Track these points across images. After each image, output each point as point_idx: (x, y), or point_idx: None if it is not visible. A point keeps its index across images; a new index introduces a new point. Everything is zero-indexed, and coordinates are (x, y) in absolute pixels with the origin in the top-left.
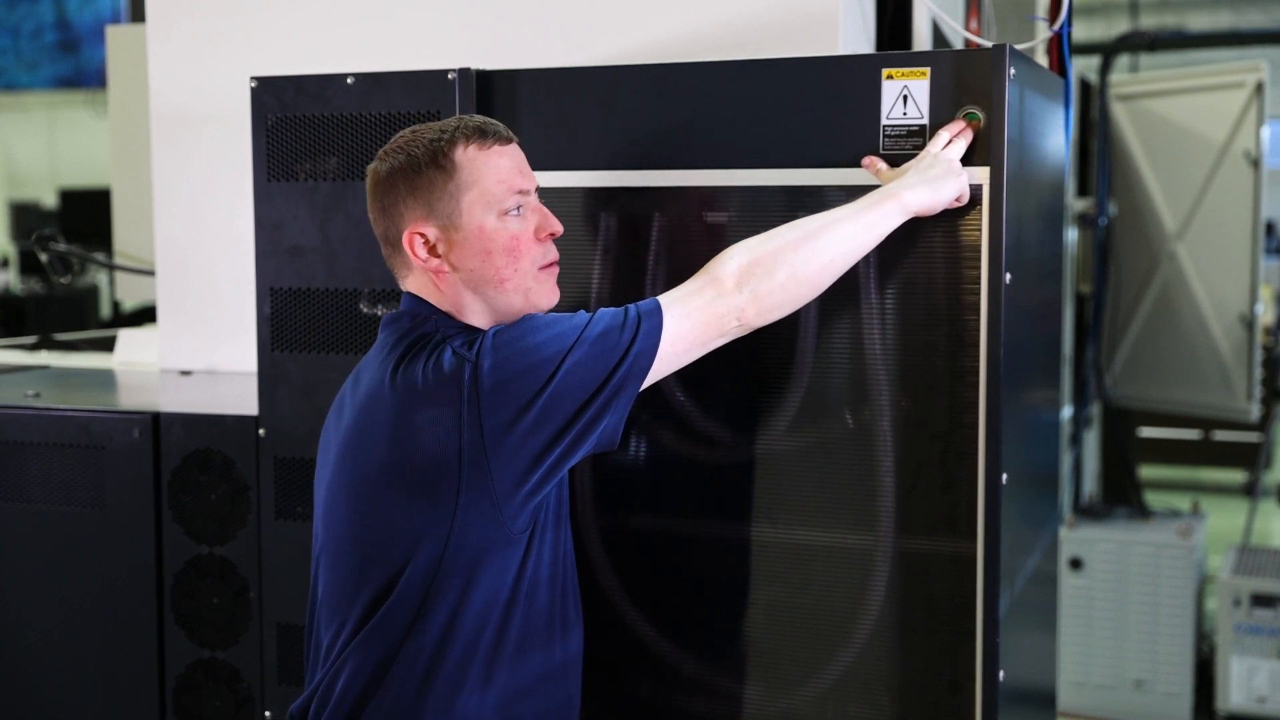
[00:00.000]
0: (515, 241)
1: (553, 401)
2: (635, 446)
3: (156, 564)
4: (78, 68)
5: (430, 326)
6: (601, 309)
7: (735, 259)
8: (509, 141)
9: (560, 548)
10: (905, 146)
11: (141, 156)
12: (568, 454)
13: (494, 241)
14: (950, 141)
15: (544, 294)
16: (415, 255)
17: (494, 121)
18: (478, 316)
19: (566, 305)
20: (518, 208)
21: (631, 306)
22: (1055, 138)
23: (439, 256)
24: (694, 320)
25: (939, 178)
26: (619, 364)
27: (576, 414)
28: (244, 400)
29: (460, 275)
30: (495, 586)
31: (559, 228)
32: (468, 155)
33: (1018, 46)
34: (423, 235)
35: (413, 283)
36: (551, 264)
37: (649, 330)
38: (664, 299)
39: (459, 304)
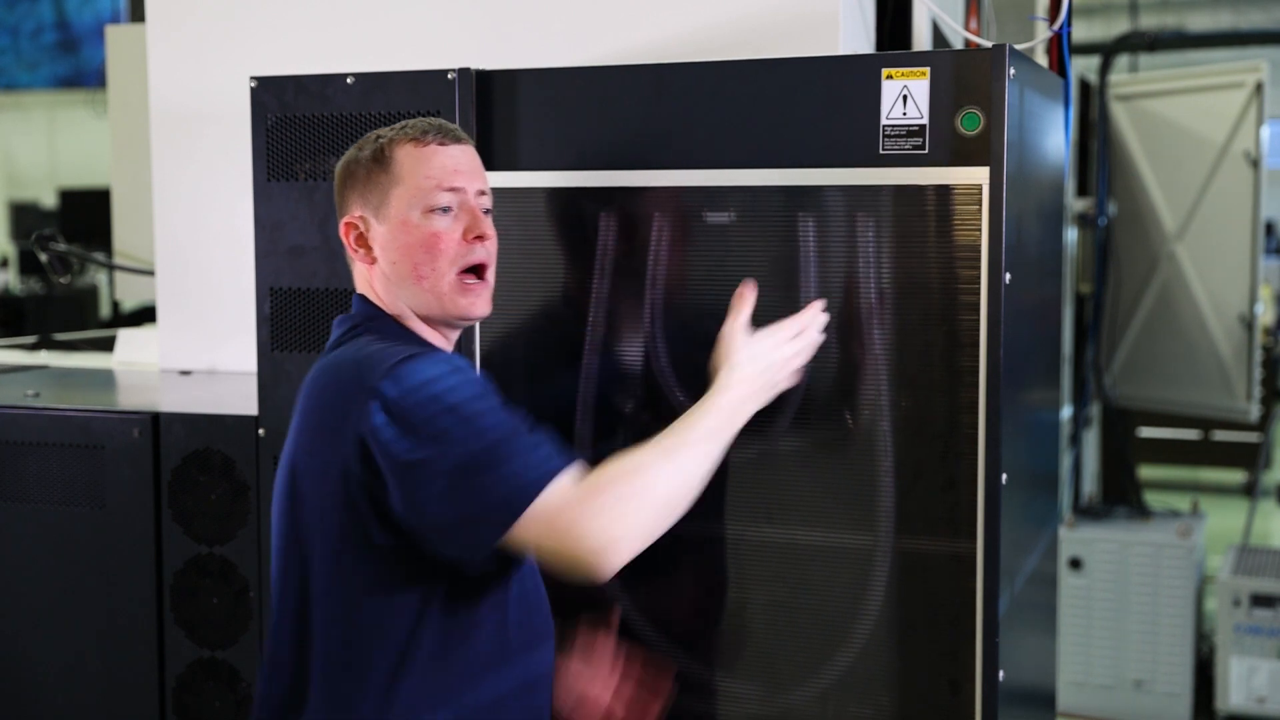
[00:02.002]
0: (435, 239)
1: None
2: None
3: (156, 564)
4: (78, 68)
5: (360, 332)
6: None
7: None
8: (455, 142)
9: (522, 566)
10: (905, 146)
11: (141, 156)
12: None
13: (413, 236)
14: (801, 332)
15: (462, 304)
16: (348, 244)
17: (444, 123)
18: (410, 316)
19: (568, 303)
20: (445, 207)
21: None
22: (1055, 138)
23: (366, 247)
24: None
25: (772, 384)
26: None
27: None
28: (244, 400)
29: (383, 268)
30: (430, 608)
31: (488, 231)
32: (404, 151)
33: (1018, 46)
34: (354, 224)
35: (358, 279)
36: (474, 268)
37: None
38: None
39: (394, 300)
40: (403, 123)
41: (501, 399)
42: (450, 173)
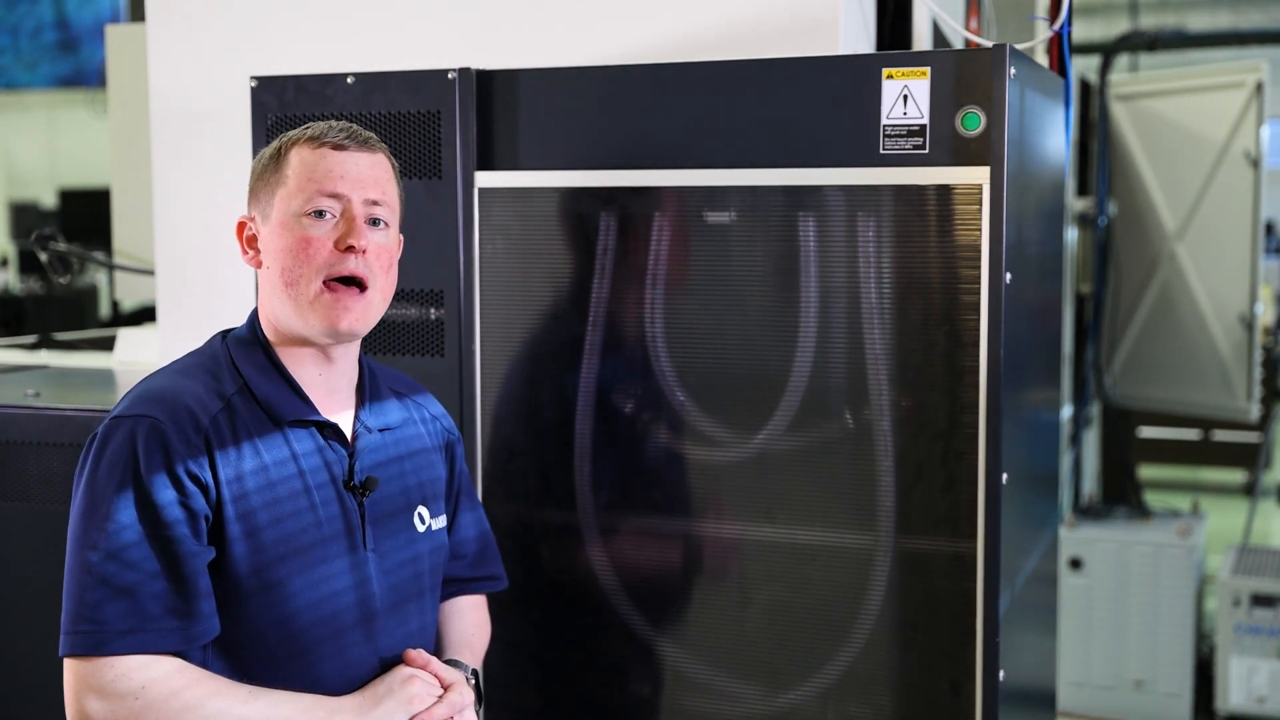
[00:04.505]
0: (305, 243)
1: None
2: (635, 446)
3: None
4: (77, 67)
5: (212, 355)
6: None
7: None
8: (359, 148)
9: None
10: (905, 146)
11: (141, 156)
12: None
13: (285, 239)
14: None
15: (323, 315)
16: (240, 243)
17: (352, 128)
18: (286, 331)
19: (568, 303)
20: (321, 211)
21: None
22: (1055, 137)
23: (255, 249)
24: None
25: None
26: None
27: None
28: None
29: (267, 272)
30: None
31: (363, 243)
32: (298, 153)
33: (1018, 46)
34: (245, 223)
35: (259, 289)
36: (342, 279)
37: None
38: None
39: (276, 317)
40: (310, 124)
41: (179, 551)
42: (334, 178)
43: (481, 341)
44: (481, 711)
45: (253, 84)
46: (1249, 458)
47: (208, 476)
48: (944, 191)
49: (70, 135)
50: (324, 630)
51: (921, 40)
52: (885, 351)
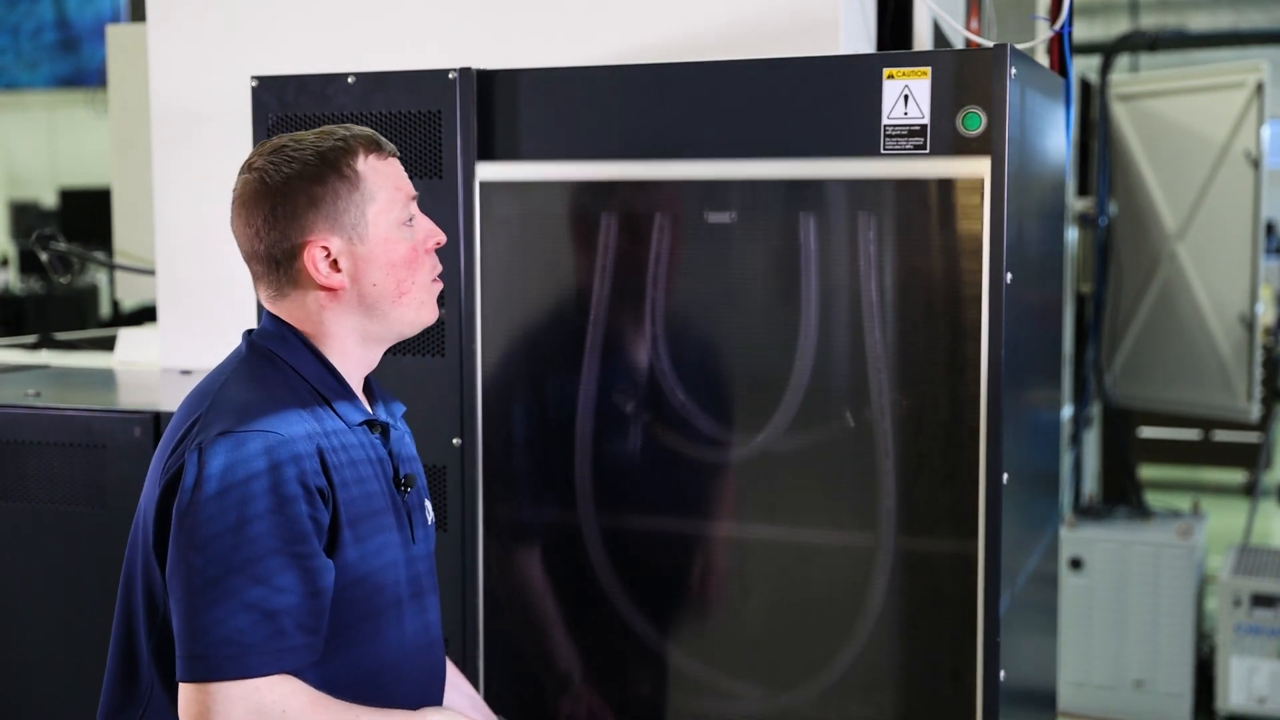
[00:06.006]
0: (414, 252)
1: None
2: (635, 446)
3: None
4: (78, 67)
5: (242, 361)
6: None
7: None
8: (396, 154)
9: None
10: (906, 146)
11: (142, 156)
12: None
13: (397, 253)
14: None
15: (430, 311)
16: (316, 270)
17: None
18: (350, 337)
19: (569, 302)
20: (410, 218)
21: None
22: (1056, 137)
23: (340, 271)
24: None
25: None
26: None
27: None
28: None
29: (359, 290)
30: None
31: (444, 237)
32: (369, 165)
33: (1018, 46)
34: (326, 249)
35: (286, 306)
36: (438, 277)
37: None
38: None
39: (337, 325)
40: (337, 131)
41: (299, 531)
42: (408, 184)
43: (482, 341)
44: None
45: (253, 84)
46: (1249, 458)
47: (324, 483)
48: (946, 186)
49: (70, 135)
50: (387, 597)
51: (922, 40)
52: (886, 351)
